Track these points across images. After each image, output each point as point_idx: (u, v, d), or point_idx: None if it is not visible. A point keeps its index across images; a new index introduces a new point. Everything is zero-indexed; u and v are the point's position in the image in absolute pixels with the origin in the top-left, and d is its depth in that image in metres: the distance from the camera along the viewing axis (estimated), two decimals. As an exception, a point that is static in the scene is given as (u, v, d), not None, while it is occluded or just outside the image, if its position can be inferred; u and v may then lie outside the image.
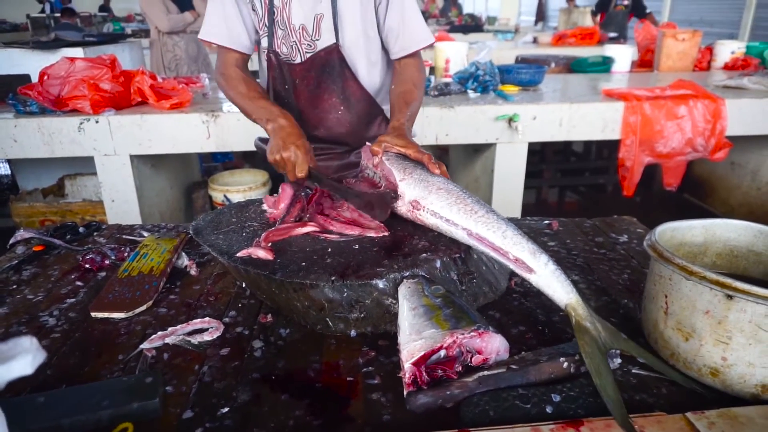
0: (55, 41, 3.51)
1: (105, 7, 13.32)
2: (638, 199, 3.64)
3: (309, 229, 0.96)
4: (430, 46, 1.36)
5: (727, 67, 3.79)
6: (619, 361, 0.73)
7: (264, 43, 1.32)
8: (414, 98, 1.27)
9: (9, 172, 4.52)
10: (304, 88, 1.33)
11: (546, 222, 1.23)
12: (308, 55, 1.30)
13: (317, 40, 1.29)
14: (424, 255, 0.86)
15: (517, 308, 0.89)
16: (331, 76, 1.32)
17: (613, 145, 3.17)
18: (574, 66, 3.94)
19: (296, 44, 1.30)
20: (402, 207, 0.96)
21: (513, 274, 0.99)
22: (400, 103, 1.25)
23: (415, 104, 1.26)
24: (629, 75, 3.67)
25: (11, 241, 1.15)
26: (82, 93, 2.33)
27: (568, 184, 4.22)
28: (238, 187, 3.06)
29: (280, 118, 1.17)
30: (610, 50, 3.85)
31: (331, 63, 1.30)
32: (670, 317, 0.71)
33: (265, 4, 1.27)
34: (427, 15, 12.10)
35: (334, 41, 1.28)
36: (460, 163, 3.21)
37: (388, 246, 0.90)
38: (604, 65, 3.77)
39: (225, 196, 2.98)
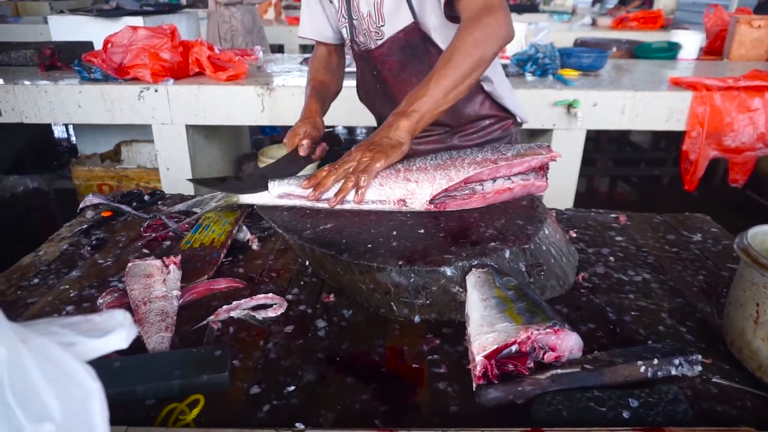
0: (116, 9, 3.59)
1: (161, -23, 13.51)
2: (696, 194, 3.49)
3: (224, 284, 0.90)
4: None
5: (807, 58, 3.54)
6: (699, 368, 0.69)
7: (345, 33, 1.31)
8: (437, 74, 1.00)
9: (67, 135, 4.70)
10: (388, 73, 1.28)
11: (613, 215, 1.18)
12: (379, 42, 1.25)
13: (382, 26, 1.23)
14: (493, 244, 0.83)
15: (585, 304, 0.86)
16: (415, 56, 1.24)
17: (673, 136, 3.03)
18: (637, 51, 3.76)
19: (367, 31, 1.27)
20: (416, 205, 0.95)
21: (580, 268, 0.96)
22: (417, 87, 1.03)
23: (437, 83, 0.99)
24: (696, 63, 3.48)
25: (81, 206, 1.19)
26: (143, 62, 2.37)
27: (622, 175, 4.08)
28: (288, 162, 3.07)
29: (301, 119, 1.23)
30: (677, 36, 3.65)
31: (412, 43, 1.22)
32: (761, 327, 0.67)
33: None
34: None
35: (411, 20, 1.19)
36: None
37: (455, 232, 0.88)
38: (670, 51, 3.58)
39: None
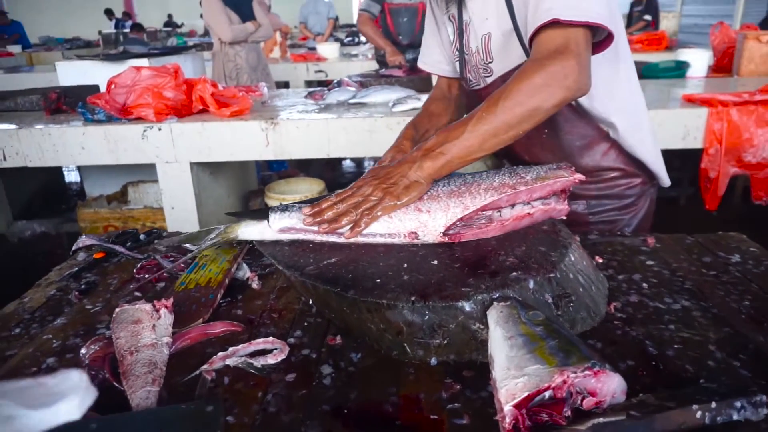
0: (123, 53, 3.64)
1: (169, 22, 13.96)
2: (717, 214, 3.37)
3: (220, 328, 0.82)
4: (566, 24, 0.90)
5: (819, 71, 3.47)
6: (765, 411, 0.59)
7: (456, 68, 1.26)
8: (477, 116, 0.89)
9: (79, 179, 4.71)
10: None
11: (641, 238, 1.09)
12: (488, 80, 1.17)
13: (490, 63, 1.14)
14: (515, 274, 0.75)
15: (621, 338, 0.77)
16: None
17: (687, 155, 2.95)
18: (644, 71, 3.71)
19: (476, 68, 1.19)
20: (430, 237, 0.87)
21: (611, 297, 0.87)
22: (453, 125, 0.93)
23: (475, 126, 0.88)
24: (706, 80, 3.42)
25: (74, 248, 1.13)
26: (146, 101, 2.36)
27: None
28: (295, 196, 3.03)
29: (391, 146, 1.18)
30: (685, 54, 3.61)
31: None
32: (835, 360, 0.58)
33: (456, 29, 1.20)
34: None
35: (523, 59, 1.06)
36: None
37: (472, 262, 0.80)
38: (678, 70, 3.53)
39: (281, 204, 2.96)
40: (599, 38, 0.96)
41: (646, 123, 1.22)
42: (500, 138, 0.89)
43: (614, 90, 1.12)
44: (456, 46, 1.23)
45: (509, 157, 1.32)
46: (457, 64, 1.25)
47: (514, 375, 0.58)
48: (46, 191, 4.38)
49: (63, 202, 4.49)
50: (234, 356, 0.75)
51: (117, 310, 0.80)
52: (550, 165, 0.94)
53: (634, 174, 1.22)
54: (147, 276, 0.98)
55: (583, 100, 1.10)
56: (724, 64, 3.81)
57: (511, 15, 1.05)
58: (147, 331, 0.76)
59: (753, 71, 3.50)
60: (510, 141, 0.91)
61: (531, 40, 0.97)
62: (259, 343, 0.77)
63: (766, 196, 2.46)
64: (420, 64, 1.39)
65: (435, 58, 1.33)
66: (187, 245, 1.04)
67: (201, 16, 4.09)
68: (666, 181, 1.28)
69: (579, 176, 0.91)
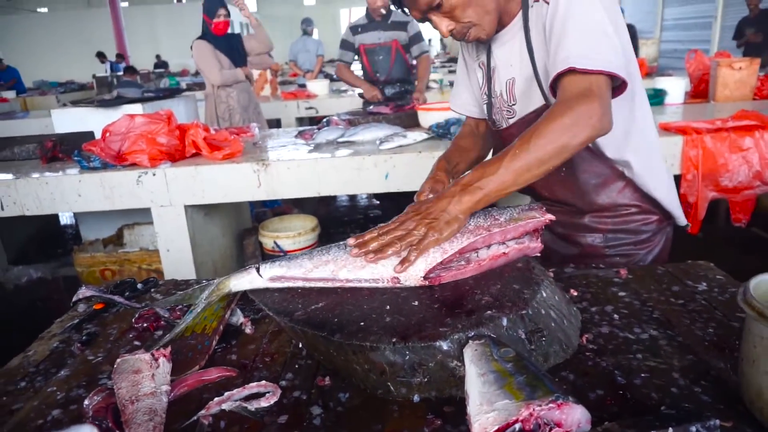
0: (117, 99, 3.74)
1: (159, 64, 14.21)
2: (701, 236, 3.44)
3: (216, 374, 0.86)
4: (581, 72, 0.98)
5: (790, 95, 3.60)
6: (719, 434, 0.64)
7: (484, 110, 1.35)
8: (511, 153, 0.95)
9: (74, 222, 4.76)
10: None
11: (614, 270, 1.15)
12: (511, 121, 1.26)
13: (513, 105, 1.24)
14: (489, 312, 0.81)
15: (592, 369, 0.82)
16: None
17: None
18: (623, 100, 3.84)
19: (500, 110, 1.29)
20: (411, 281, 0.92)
21: (584, 329, 0.92)
22: (489, 161, 1.00)
23: (509, 163, 0.94)
24: (684, 107, 3.55)
25: (74, 299, 1.17)
26: (140, 148, 2.43)
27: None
28: (288, 233, 3.09)
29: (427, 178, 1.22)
30: (662, 82, 3.74)
31: None
32: (778, 385, 0.63)
33: (484, 73, 1.30)
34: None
35: (543, 102, 1.16)
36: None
37: (450, 302, 0.85)
38: (656, 98, 3.66)
39: (275, 242, 3.02)
40: (614, 84, 1.05)
41: (660, 163, 1.29)
42: (533, 173, 0.97)
43: (630, 131, 1.20)
44: (484, 90, 1.32)
45: (531, 193, 1.40)
46: (485, 106, 1.34)
47: (485, 410, 0.63)
48: (41, 236, 4.42)
49: (59, 246, 4.52)
50: (229, 401, 0.79)
51: (118, 360, 0.85)
52: (522, 206, 1.01)
53: (650, 211, 1.28)
54: (145, 324, 1.03)
55: (600, 140, 1.17)
56: (700, 90, 3.95)
57: (532, 62, 1.16)
58: (147, 380, 0.80)
59: (728, 97, 3.62)
60: (541, 176, 0.98)
61: (553, 84, 1.06)
62: (253, 387, 0.82)
63: (744, 218, 2.54)
64: (451, 106, 1.49)
65: (464, 99, 1.42)
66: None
67: (192, 57, 4.20)
68: (682, 220, 1.32)
69: (549, 216, 0.98)
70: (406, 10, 1.15)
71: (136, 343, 0.99)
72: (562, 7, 1.03)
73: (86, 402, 0.79)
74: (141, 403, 0.76)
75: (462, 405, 0.74)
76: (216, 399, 0.79)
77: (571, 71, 1.00)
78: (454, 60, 10.58)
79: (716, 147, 2.43)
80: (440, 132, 2.66)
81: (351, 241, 0.96)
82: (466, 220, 0.95)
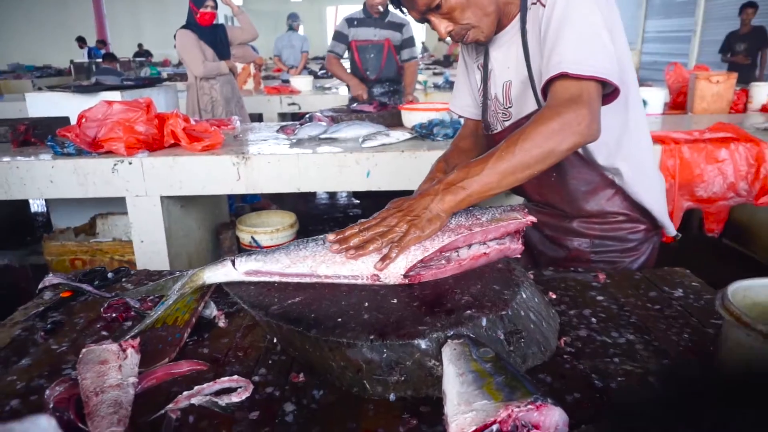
0: (95, 85, 3.65)
1: (140, 52, 13.94)
2: (674, 244, 3.51)
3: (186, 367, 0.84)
4: (574, 78, 0.97)
5: (765, 109, 3.69)
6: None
7: (480, 111, 1.34)
8: (497, 155, 0.95)
9: (45, 209, 4.63)
10: None
11: (593, 274, 1.16)
12: (506, 125, 1.25)
13: (509, 107, 1.23)
14: (469, 312, 0.80)
15: (569, 371, 0.82)
16: None
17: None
18: (604, 109, 3.89)
19: (494, 113, 1.28)
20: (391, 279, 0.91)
21: (562, 332, 0.92)
22: (474, 161, 0.98)
23: (495, 164, 0.94)
24: (663, 117, 3.61)
25: (40, 287, 1.13)
26: (117, 135, 2.37)
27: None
28: (266, 229, 3.05)
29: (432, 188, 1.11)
30: (642, 93, 3.78)
31: None
32: (753, 391, 0.63)
33: (481, 74, 1.29)
34: (452, 59, 12.28)
35: (536, 107, 1.15)
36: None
37: (430, 301, 0.84)
38: (637, 108, 3.71)
39: (252, 237, 2.98)
40: (607, 91, 1.04)
41: (653, 173, 1.29)
42: (517, 176, 0.96)
43: (622, 139, 1.19)
44: (481, 92, 1.32)
45: (521, 194, 1.42)
46: (481, 107, 1.35)
47: (463, 410, 0.61)
48: (11, 222, 4.28)
49: (29, 233, 4.39)
50: (199, 395, 0.77)
51: (83, 350, 0.81)
52: (504, 207, 1.00)
53: (638, 220, 1.28)
54: (114, 315, 0.99)
55: (591, 147, 1.17)
56: (679, 102, 4.02)
57: (528, 65, 1.15)
58: (113, 371, 0.77)
59: (705, 109, 3.70)
60: (525, 180, 0.97)
61: (544, 88, 1.05)
62: (224, 382, 0.79)
63: (718, 228, 2.59)
64: (451, 107, 1.48)
65: (464, 101, 1.42)
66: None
67: (175, 46, 4.12)
68: (671, 230, 1.33)
69: (531, 218, 0.98)
70: (405, 9, 1.14)
71: (104, 333, 0.96)
72: (558, 10, 1.02)
73: (47, 392, 0.76)
74: (106, 395, 0.73)
75: (438, 405, 0.73)
76: (185, 393, 0.77)
77: (564, 76, 0.99)
78: (438, 62, 10.61)
79: (693, 157, 2.47)
80: (423, 132, 2.65)
81: (331, 236, 0.95)
82: (447, 219, 0.95)
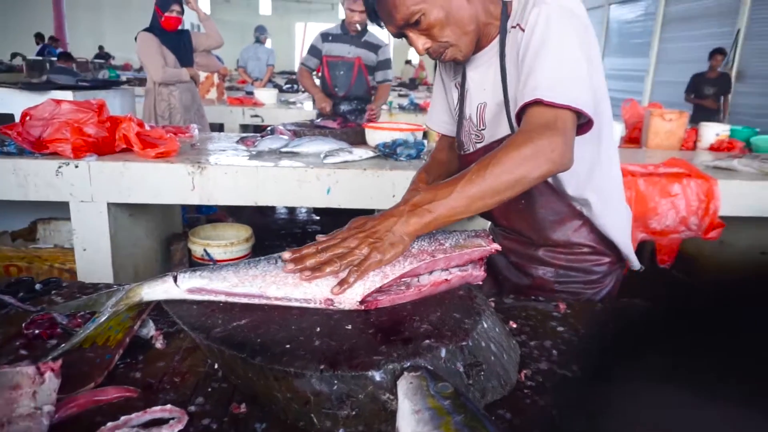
0: (46, 83, 3.47)
1: (101, 55, 13.52)
2: (626, 275, 3.59)
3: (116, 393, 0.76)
4: (549, 105, 0.95)
5: (713, 148, 3.85)
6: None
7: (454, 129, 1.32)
8: (466, 178, 0.91)
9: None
10: None
11: (553, 304, 1.13)
12: (478, 146, 1.22)
13: (482, 129, 1.21)
14: (427, 341, 0.75)
15: (529, 407, 0.78)
16: None
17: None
18: (564, 139, 3.98)
19: (468, 134, 1.25)
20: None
21: (522, 364, 0.88)
22: (442, 184, 0.95)
23: (463, 188, 0.90)
24: (620, 150, 3.68)
25: (-46, 296, 1.02)
26: (64, 136, 2.24)
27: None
28: (219, 242, 2.94)
29: (396, 209, 1.03)
30: (601, 125, 3.91)
31: None
32: None
33: (458, 93, 1.27)
34: (417, 82, 12.45)
35: (508, 132, 1.14)
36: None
37: (386, 328, 0.79)
38: (595, 140, 3.81)
39: (205, 250, 2.86)
40: (581, 121, 1.02)
41: (621, 206, 1.28)
42: (485, 202, 0.92)
43: (593, 170, 1.17)
44: (457, 110, 1.30)
45: (488, 218, 1.39)
46: (456, 126, 1.33)
47: (418, 453, 0.56)
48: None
49: (-39, 236, 4.10)
50: (125, 426, 0.69)
51: (-7, 373, 0.72)
52: (468, 232, 0.97)
53: (603, 252, 1.26)
54: (37, 331, 0.90)
55: (562, 176, 1.15)
56: (634, 136, 4.16)
57: (504, 89, 1.13)
58: (26, 398, 0.68)
59: (659, 144, 3.84)
60: (494, 205, 0.93)
61: (519, 114, 1.03)
62: (156, 412, 0.71)
63: (669, 260, 2.65)
64: (427, 122, 1.48)
65: (441, 118, 1.41)
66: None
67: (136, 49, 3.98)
68: (635, 264, 1.32)
69: (495, 246, 0.94)
70: (382, 24, 1.10)
71: (23, 352, 0.86)
72: (537, 36, 1.01)
73: (-55, 422, 0.66)
74: (14, 426, 0.64)
75: (391, 443, 0.67)
76: (109, 424, 0.68)
77: (538, 103, 0.97)
78: (404, 85, 10.71)
79: (648, 190, 2.53)
80: (387, 151, 2.63)
81: (286, 254, 0.88)
82: (410, 243, 0.90)
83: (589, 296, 1.27)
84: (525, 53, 1.03)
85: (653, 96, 10.05)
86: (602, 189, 1.21)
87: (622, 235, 1.26)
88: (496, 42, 1.14)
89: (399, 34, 1.10)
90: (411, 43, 1.10)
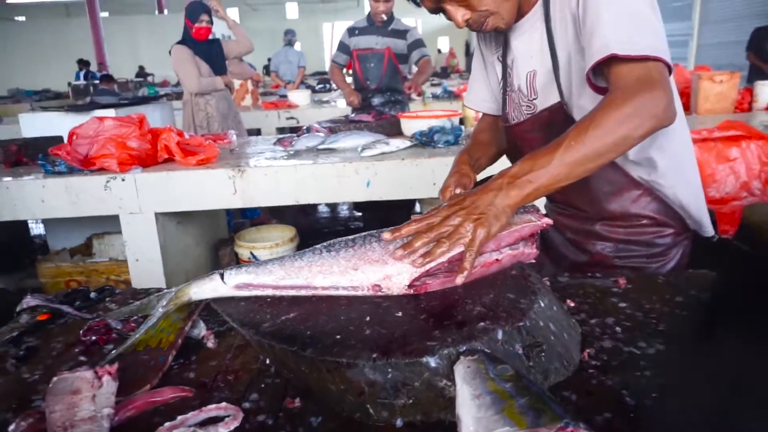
0: (89, 104, 3.60)
1: (141, 73, 14.00)
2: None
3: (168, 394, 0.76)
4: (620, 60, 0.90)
5: (771, 108, 3.62)
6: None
7: (498, 105, 1.30)
8: (566, 144, 0.86)
9: (42, 232, 4.57)
10: (528, 150, 1.17)
11: (611, 279, 1.07)
12: (528, 116, 1.19)
13: (534, 99, 1.17)
14: (482, 324, 0.71)
15: (597, 388, 0.73)
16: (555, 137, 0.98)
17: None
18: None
19: (518, 106, 1.22)
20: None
21: (585, 343, 0.83)
22: (540, 151, 0.89)
23: (564, 154, 0.86)
24: (667, 119, 3.53)
25: (17, 309, 1.05)
26: (109, 152, 2.31)
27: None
28: (265, 244, 2.97)
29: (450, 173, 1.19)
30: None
31: (556, 123, 1.10)
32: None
33: (501, 66, 1.24)
34: (449, 70, 12.29)
35: (558, 99, 1.10)
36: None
37: (438, 313, 0.76)
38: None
39: (251, 253, 2.90)
40: None
41: (692, 166, 1.20)
42: (587, 167, 0.88)
43: None
44: (501, 85, 1.27)
45: (554, 193, 1.33)
46: (501, 101, 1.29)
47: (482, 439, 0.53)
48: (8, 245, 4.21)
49: (26, 256, 4.32)
50: (182, 426, 0.68)
51: (54, 379, 0.73)
52: (518, 209, 0.92)
53: (665, 224, 1.19)
54: (94, 338, 0.91)
55: (630, 155, 1.10)
56: (682, 104, 3.96)
57: (553, 54, 1.08)
58: (86, 402, 0.69)
59: (710, 110, 3.63)
60: (595, 170, 0.89)
61: (594, 74, 0.97)
62: (211, 410, 0.71)
63: (732, 229, 2.50)
64: (465, 102, 1.45)
65: (480, 96, 1.37)
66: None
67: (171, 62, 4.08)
68: (708, 229, 1.22)
69: (546, 220, 0.89)
70: (419, 0, 1.07)
71: (82, 358, 0.88)
72: None
73: (11, 428, 0.67)
74: (76, 429, 0.65)
75: (452, 430, 0.64)
76: (167, 424, 0.68)
77: (627, 58, 0.90)
78: (436, 74, 10.60)
79: (703, 157, 2.39)
80: (424, 140, 2.59)
81: (387, 235, 0.84)
82: (512, 216, 0.86)
83: (653, 270, 1.20)
84: (585, 9, 0.97)
85: (698, 60, 9.57)
86: (669, 147, 1.12)
87: (695, 197, 1.17)
88: (539, 6, 1.09)
89: (436, 9, 1.07)
90: (450, 17, 1.06)
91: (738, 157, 2.38)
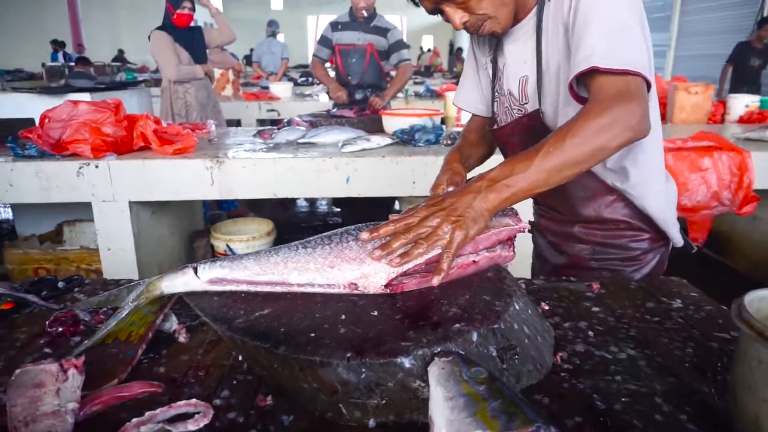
0: (63, 87, 3.51)
1: (119, 57, 13.69)
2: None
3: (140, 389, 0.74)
4: (606, 72, 0.91)
5: (742, 120, 3.72)
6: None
7: (491, 107, 1.29)
8: (544, 151, 0.87)
9: (10, 217, 4.44)
10: (510, 152, 1.22)
11: (586, 284, 1.09)
12: (511, 121, 1.21)
13: (525, 103, 1.18)
14: (458, 325, 0.71)
15: (568, 391, 0.74)
16: (535, 143, 0.99)
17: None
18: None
19: (508, 110, 1.22)
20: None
21: (557, 346, 0.84)
22: (519, 156, 0.90)
23: (542, 161, 0.87)
24: (644, 127, 3.60)
25: (-20, 298, 1.01)
26: (83, 137, 2.25)
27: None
28: (242, 237, 2.94)
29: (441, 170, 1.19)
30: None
31: (534, 129, 1.13)
32: (779, 416, 0.56)
33: (492, 69, 1.24)
34: (432, 69, 12.32)
35: (537, 107, 1.13)
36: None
37: (413, 313, 0.76)
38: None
39: (227, 245, 2.86)
40: None
41: (662, 179, 1.22)
42: (564, 174, 0.89)
43: None
44: (491, 86, 1.28)
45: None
46: (491, 104, 1.30)
47: (454, 442, 0.53)
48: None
49: (-8, 242, 4.19)
50: (151, 422, 0.67)
51: (17, 371, 0.71)
52: (496, 212, 0.93)
53: (640, 228, 1.21)
54: (60, 329, 0.89)
55: (604, 163, 1.12)
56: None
57: (538, 62, 1.10)
58: (50, 396, 0.67)
59: (684, 119, 3.71)
60: (572, 178, 0.90)
61: (576, 84, 0.99)
62: (180, 406, 0.69)
63: (702, 238, 2.57)
64: (455, 101, 1.43)
65: (471, 97, 1.36)
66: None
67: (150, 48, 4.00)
68: (677, 240, 1.25)
69: (524, 224, 0.90)
70: (418, 0, 1.07)
71: (47, 350, 0.85)
72: (585, 2, 0.96)
73: (-31, 423, 0.65)
74: (38, 424, 0.63)
75: (424, 431, 0.64)
76: (134, 420, 0.66)
77: (608, 71, 0.92)
78: (419, 72, 10.61)
79: (677, 166, 2.44)
80: (405, 138, 2.59)
81: (365, 235, 0.84)
82: (490, 219, 0.87)
83: (628, 274, 1.22)
84: (575, 18, 0.98)
85: (675, 71, 9.78)
86: (642, 160, 1.14)
87: (661, 210, 1.19)
88: (533, 13, 1.10)
89: (434, 10, 1.06)
90: (447, 19, 1.06)
91: (710, 167, 2.44)
